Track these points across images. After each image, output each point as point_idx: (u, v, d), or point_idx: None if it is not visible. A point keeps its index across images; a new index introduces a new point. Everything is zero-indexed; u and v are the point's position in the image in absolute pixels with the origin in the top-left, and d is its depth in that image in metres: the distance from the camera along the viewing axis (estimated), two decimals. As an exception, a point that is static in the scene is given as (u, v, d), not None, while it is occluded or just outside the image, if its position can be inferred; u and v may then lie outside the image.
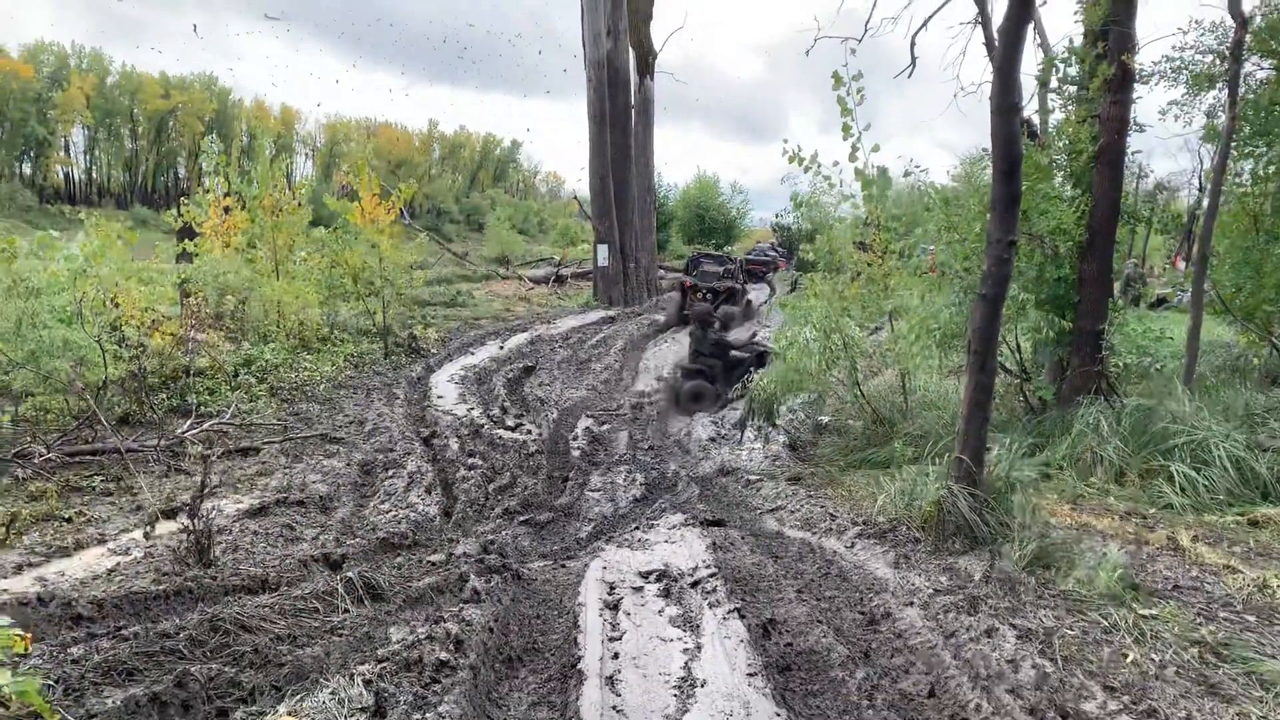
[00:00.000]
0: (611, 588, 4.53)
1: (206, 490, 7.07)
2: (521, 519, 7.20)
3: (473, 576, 4.64)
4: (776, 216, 29.83)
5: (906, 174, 8.73)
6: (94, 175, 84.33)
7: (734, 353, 13.38)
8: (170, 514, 7.91)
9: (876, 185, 9.22)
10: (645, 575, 4.78)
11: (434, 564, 5.15)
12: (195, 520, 5.38)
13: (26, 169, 78.93)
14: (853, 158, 9.53)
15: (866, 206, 9.62)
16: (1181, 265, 34.07)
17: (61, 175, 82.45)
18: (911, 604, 4.37)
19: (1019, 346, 8.86)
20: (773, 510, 6.93)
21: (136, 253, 15.96)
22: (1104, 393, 7.68)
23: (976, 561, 4.91)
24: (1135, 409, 7.08)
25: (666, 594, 4.45)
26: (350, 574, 4.73)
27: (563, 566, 5.28)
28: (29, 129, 74.86)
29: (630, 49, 26.92)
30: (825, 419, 10.18)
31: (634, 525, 6.62)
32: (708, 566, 4.88)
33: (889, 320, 9.77)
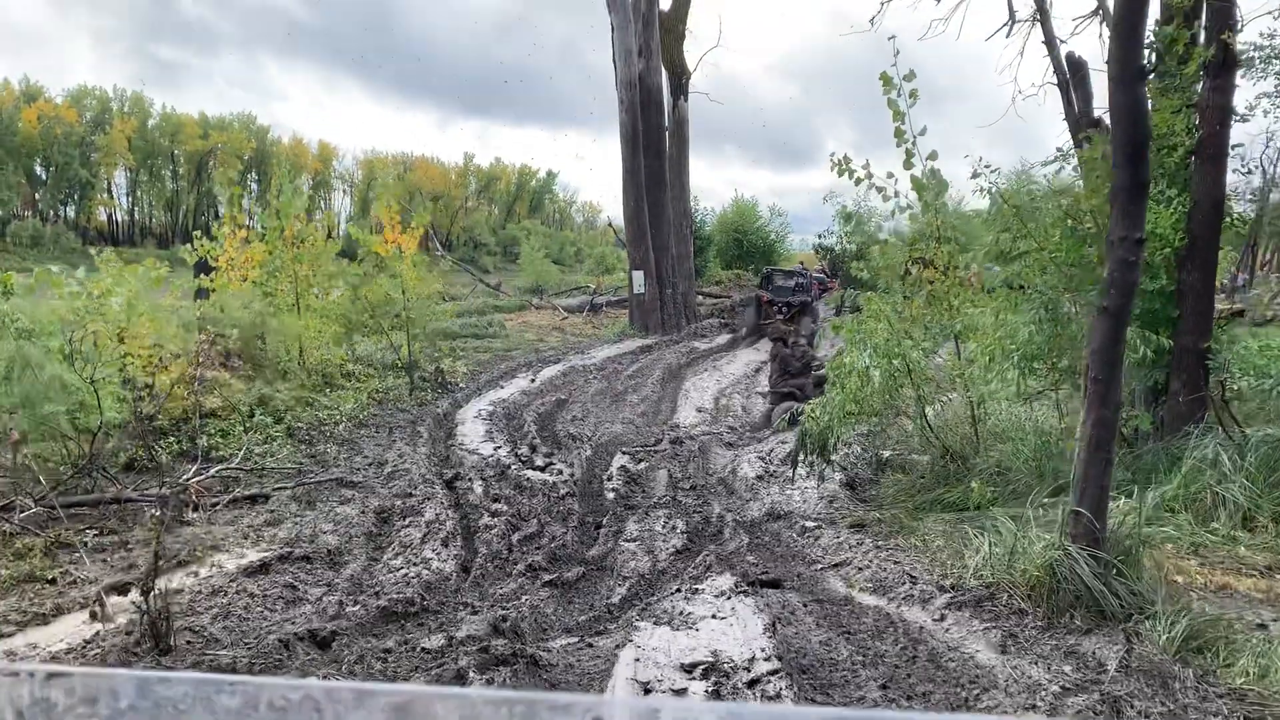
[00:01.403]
0: (646, 688, 3.59)
1: (161, 562, 6.22)
2: (547, 578, 6.29)
3: (472, 673, 3.74)
4: (819, 237, 28.82)
5: (975, 175, 7.78)
6: (136, 216, 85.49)
7: (820, 371, 12.50)
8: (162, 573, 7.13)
9: (932, 190, 8.28)
10: (689, 670, 3.81)
11: (429, 652, 4.25)
12: (149, 599, 4.54)
13: (71, 212, 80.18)
14: (908, 165, 8.64)
15: (925, 217, 8.70)
16: (1243, 278, 32.56)
17: (105, 217, 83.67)
18: (1033, 706, 3.39)
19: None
20: (836, 566, 5.95)
21: (165, 292, 15.44)
22: (1221, 422, 6.63)
23: (1107, 644, 3.92)
24: (1263, 440, 6.03)
25: (717, 695, 3.51)
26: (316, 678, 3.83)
27: (589, 646, 4.34)
28: (73, 172, 76.10)
29: (663, 69, 26.21)
30: (887, 454, 9.18)
31: (675, 588, 5.68)
32: (766, 656, 3.92)
33: (955, 342, 8.78)
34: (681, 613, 4.76)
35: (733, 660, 3.92)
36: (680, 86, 27.95)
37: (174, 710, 0.68)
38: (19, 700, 0.68)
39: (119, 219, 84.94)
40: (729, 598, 5.04)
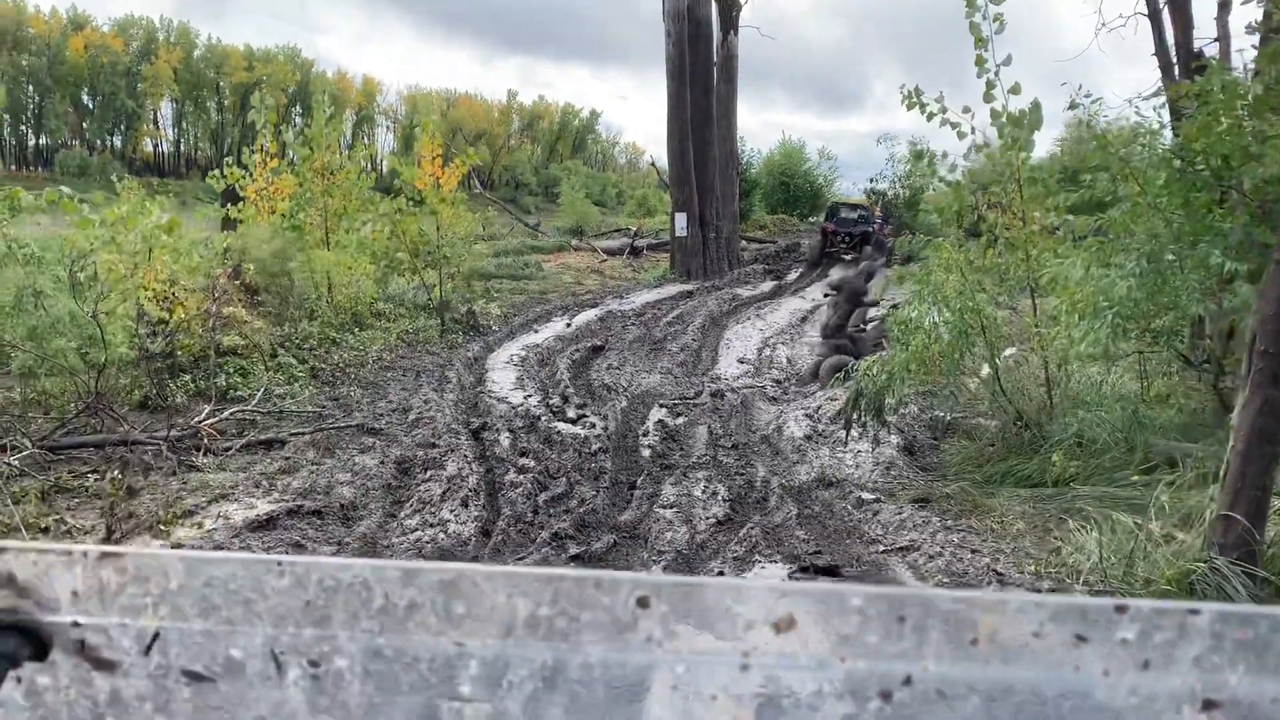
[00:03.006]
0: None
1: (118, 524, 5.65)
2: (573, 550, 5.66)
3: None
4: (871, 181, 27.62)
5: (1072, 105, 6.88)
6: (181, 147, 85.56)
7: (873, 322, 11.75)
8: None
9: (1025, 125, 7.39)
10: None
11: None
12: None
13: (117, 142, 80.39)
14: (988, 97, 7.76)
15: (1005, 155, 7.82)
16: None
17: (150, 147, 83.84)
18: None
19: (1205, 331, 6.98)
20: (902, 550, 5.23)
21: (200, 225, 14.89)
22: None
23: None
24: None
25: (771, 730, 2.89)
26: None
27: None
28: (119, 102, 76.09)
29: (713, 1, 24.98)
30: (947, 416, 8.41)
31: (717, 571, 5.01)
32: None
33: (1031, 296, 7.94)
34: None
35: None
36: (730, 20, 26.67)
37: (224, 590, 0.69)
38: (73, 580, 0.69)
39: (164, 150, 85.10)
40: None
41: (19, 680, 0.73)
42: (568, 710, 0.71)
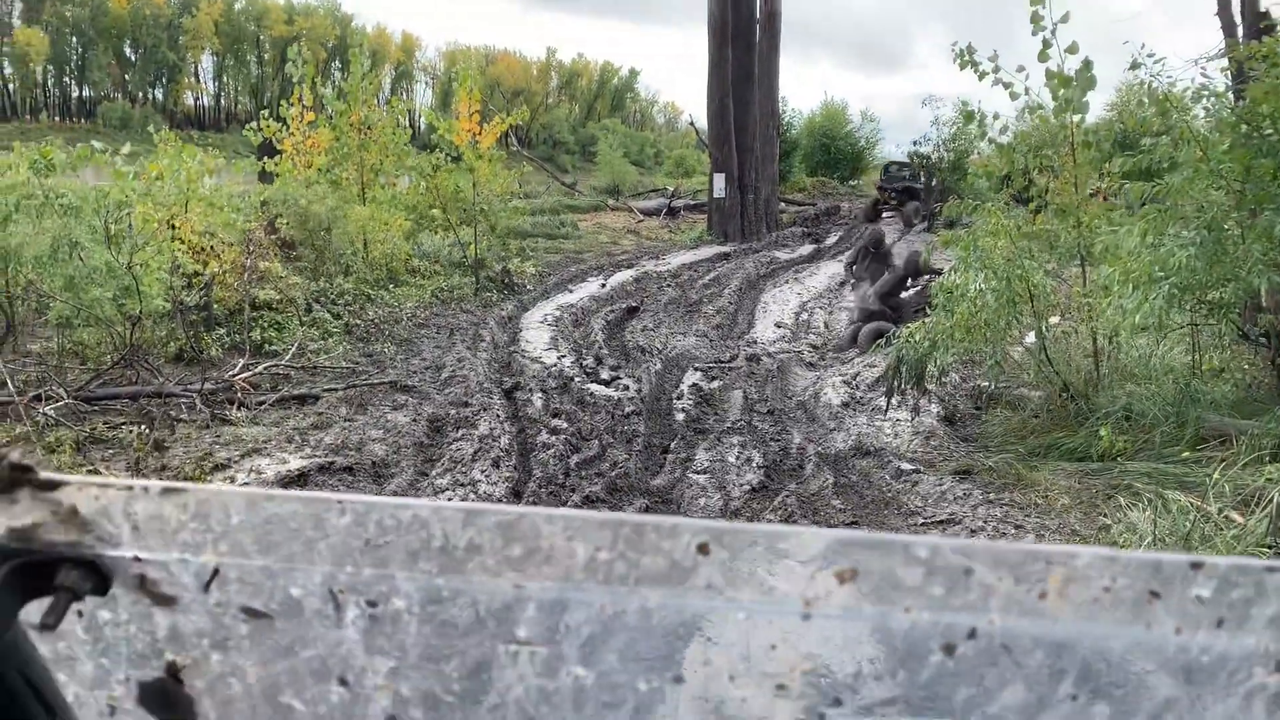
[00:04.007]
0: None
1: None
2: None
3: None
4: (915, 144, 27.10)
5: (1134, 65, 6.57)
6: (221, 101, 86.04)
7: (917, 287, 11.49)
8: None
9: (1078, 86, 7.10)
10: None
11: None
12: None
13: (159, 95, 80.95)
14: (1043, 56, 7.47)
15: (1058, 117, 7.54)
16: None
17: (191, 101, 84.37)
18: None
19: (1265, 303, 6.70)
20: (942, 524, 5.07)
21: (237, 178, 14.87)
22: None
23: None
24: None
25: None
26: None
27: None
28: (161, 54, 76.53)
29: (758, -44, 24.42)
30: (991, 385, 8.20)
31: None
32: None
33: (1082, 264, 7.68)
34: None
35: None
36: (775, -26, 26.08)
37: (284, 527, 0.69)
38: (135, 515, 0.70)
39: (205, 103, 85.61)
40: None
41: (80, 614, 0.74)
42: (624, 656, 0.71)
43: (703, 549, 0.67)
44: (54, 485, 0.69)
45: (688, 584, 0.68)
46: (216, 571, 0.71)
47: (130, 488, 0.70)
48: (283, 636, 0.73)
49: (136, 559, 0.71)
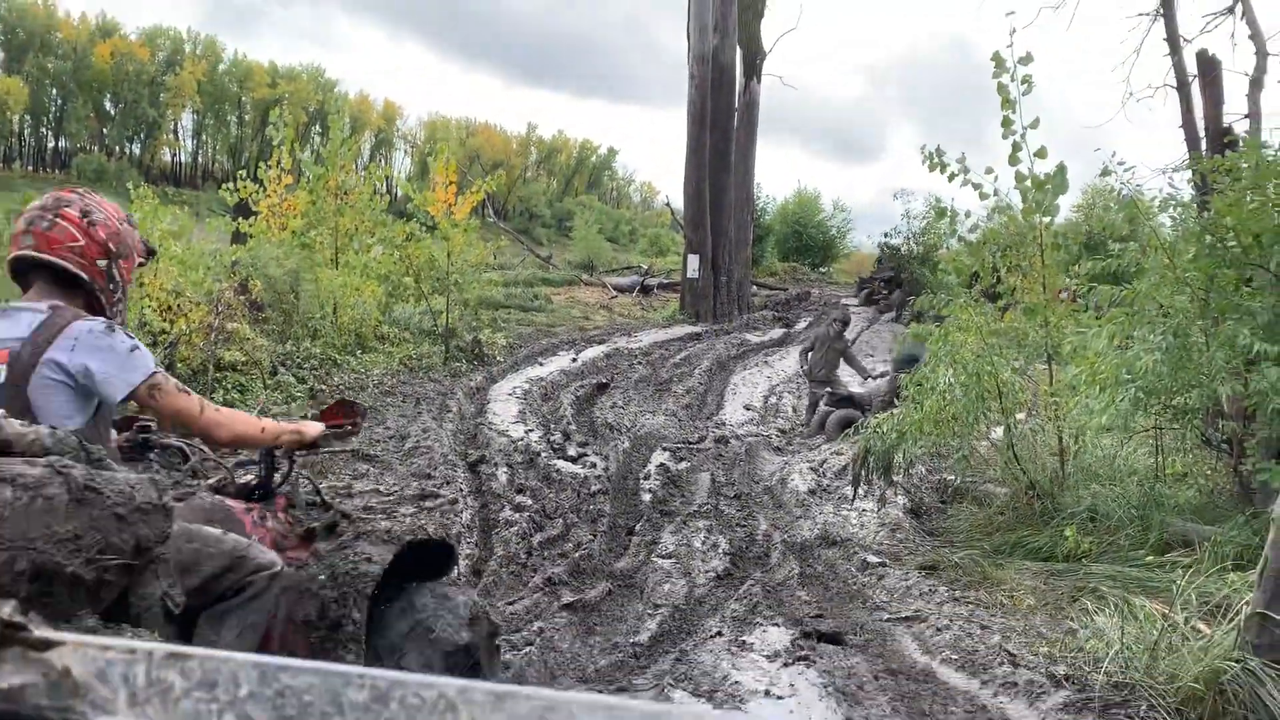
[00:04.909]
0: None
1: None
2: (567, 598, 5.46)
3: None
4: (885, 235, 27.48)
5: (1105, 172, 6.76)
6: (199, 159, 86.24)
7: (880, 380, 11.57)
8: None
9: (1049, 188, 7.28)
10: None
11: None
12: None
13: (136, 149, 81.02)
14: (1013, 160, 7.66)
15: (1027, 217, 7.71)
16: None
17: (169, 157, 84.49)
18: None
19: (1227, 410, 6.79)
20: (908, 621, 5.01)
21: (210, 236, 14.82)
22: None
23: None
24: None
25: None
26: None
27: None
28: (141, 110, 76.79)
29: (738, 47, 25.10)
30: (957, 479, 8.22)
31: (716, 630, 4.80)
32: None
33: (1049, 363, 7.78)
34: (725, 678, 3.87)
35: None
36: (753, 66, 26.80)
37: (297, 701, 0.64)
38: (134, 680, 0.64)
39: (182, 160, 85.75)
40: (783, 665, 4.14)
41: None
42: None
43: None
44: (48, 645, 0.65)
45: None
46: None
47: (132, 651, 0.66)
48: None
49: None
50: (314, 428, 2.84)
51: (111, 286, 2.49)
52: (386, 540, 2.68)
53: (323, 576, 2.48)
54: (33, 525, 1.58)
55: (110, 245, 2.47)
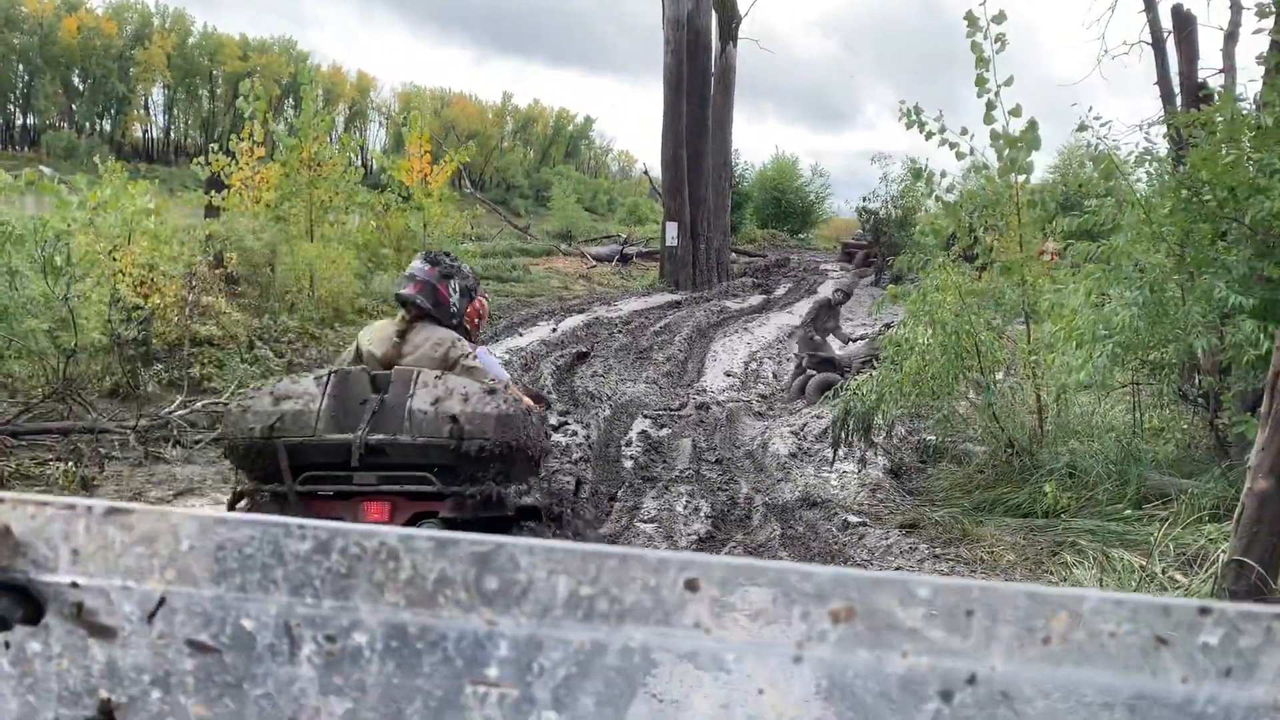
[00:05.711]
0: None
1: None
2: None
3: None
4: (864, 200, 27.40)
5: (1082, 128, 6.76)
6: (171, 134, 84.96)
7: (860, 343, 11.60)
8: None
9: (1021, 145, 7.27)
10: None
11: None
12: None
13: (106, 125, 79.72)
14: (988, 119, 7.65)
15: (1003, 176, 7.71)
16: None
17: (140, 133, 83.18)
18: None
19: (1203, 365, 6.84)
20: (889, 578, 5.08)
21: (184, 211, 14.62)
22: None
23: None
24: None
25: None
26: None
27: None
28: (110, 85, 75.45)
29: (713, 11, 24.87)
30: (937, 439, 8.26)
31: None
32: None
33: (1026, 322, 7.82)
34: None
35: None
36: (729, 31, 26.57)
37: (238, 554, 0.63)
38: (75, 535, 0.63)
39: (154, 136, 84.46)
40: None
41: (7, 645, 0.67)
42: (601, 700, 0.66)
43: (691, 585, 0.64)
44: None
45: (674, 622, 0.65)
46: (162, 601, 0.66)
47: (71, 507, 0.64)
48: (230, 673, 0.67)
49: (74, 585, 0.65)
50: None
51: None
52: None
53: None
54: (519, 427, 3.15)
55: None
